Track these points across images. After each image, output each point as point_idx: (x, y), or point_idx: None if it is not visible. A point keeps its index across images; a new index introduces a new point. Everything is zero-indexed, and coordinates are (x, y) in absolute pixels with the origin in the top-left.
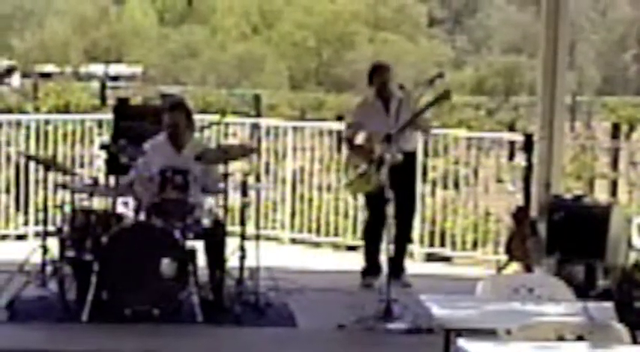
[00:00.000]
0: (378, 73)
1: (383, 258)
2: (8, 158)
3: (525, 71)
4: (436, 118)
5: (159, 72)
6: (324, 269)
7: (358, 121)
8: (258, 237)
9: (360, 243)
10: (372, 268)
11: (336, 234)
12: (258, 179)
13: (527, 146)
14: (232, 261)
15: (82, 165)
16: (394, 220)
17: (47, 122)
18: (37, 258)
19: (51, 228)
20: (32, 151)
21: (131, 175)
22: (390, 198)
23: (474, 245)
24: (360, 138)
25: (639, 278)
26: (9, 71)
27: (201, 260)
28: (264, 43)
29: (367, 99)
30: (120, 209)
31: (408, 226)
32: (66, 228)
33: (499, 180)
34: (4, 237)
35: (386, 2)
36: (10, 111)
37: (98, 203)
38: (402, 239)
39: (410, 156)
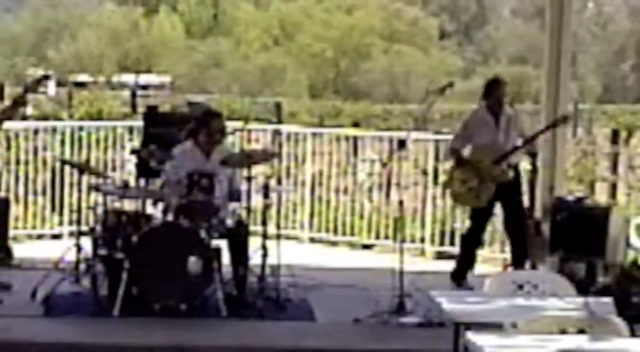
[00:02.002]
0: (497, 88)
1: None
2: (44, 162)
3: (531, 80)
4: (446, 125)
5: (186, 81)
6: (341, 267)
7: (468, 134)
8: (279, 237)
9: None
10: (463, 272)
11: (352, 234)
12: (279, 182)
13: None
14: (255, 258)
15: (113, 169)
16: (506, 233)
17: (81, 128)
18: (71, 256)
19: (84, 227)
20: (67, 156)
21: (162, 179)
22: (494, 214)
23: (482, 244)
24: (467, 151)
25: (637, 275)
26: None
27: (226, 258)
28: (285, 54)
29: (478, 112)
30: (149, 210)
31: (522, 238)
32: (98, 228)
33: None
34: (40, 237)
35: (400, 16)
36: (46, 118)
37: (129, 204)
38: (520, 252)
39: (515, 170)
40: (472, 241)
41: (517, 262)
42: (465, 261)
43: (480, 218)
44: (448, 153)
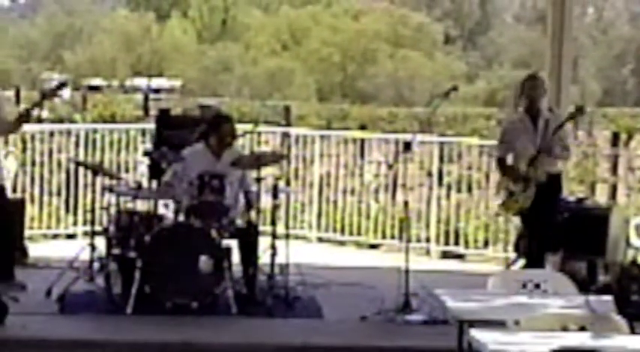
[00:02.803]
0: (531, 85)
1: None
2: (59, 164)
3: None
4: (450, 128)
5: (197, 85)
6: (348, 266)
7: (508, 139)
8: (287, 236)
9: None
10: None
11: (359, 234)
12: (288, 183)
13: None
14: (264, 257)
15: (126, 171)
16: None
17: (95, 131)
18: (85, 256)
19: (98, 227)
20: (81, 157)
21: (170, 173)
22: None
23: (485, 243)
24: (510, 159)
25: (636, 274)
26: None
27: (236, 257)
28: (294, 58)
29: (515, 116)
30: (161, 210)
31: (541, 247)
32: (112, 228)
33: None
34: (55, 236)
35: (405, 22)
36: (61, 120)
37: (141, 205)
38: (537, 254)
39: (555, 178)
40: (525, 245)
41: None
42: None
43: (527, 221)
44: (495, 164)
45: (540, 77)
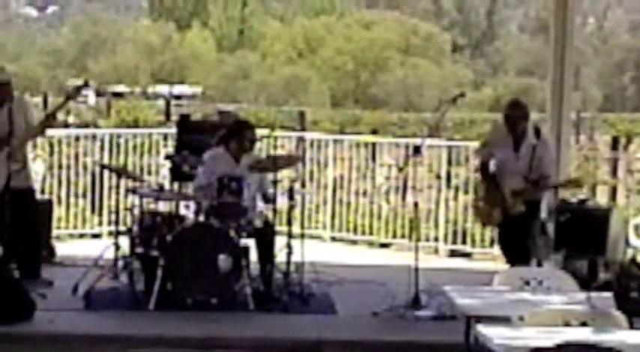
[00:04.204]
0: (510, 110)
1: None
2: (85, 167)
3: (536, 91)
4: (458, 132)
5: (216, 92)
6: (360, 264)
7: (491, 146)
8: (302, 236)
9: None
10: None
11: (370, 233)
12: (303, 185)
13: None
14: (280, 256)
15: (149, 173)
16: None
17: (119, 135)
18: (110, 254)
19: (122, 227)
20: (106, 161)
21: (194, 185)
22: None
23: (491, 243)
24: (492, 166)
25: (635, 272)
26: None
27: (253, 256)
28: (309, 66)
29: (501, 128)
30: (182, 211)
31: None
32: (135, 228)
33: None
34: (81, 236)
35: (415, 31)
36: (86, 125)
37: (163, 206)
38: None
39: (533, 205)
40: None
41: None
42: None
43: (501, 236)
44: (478, 168)
45: (521, 103)
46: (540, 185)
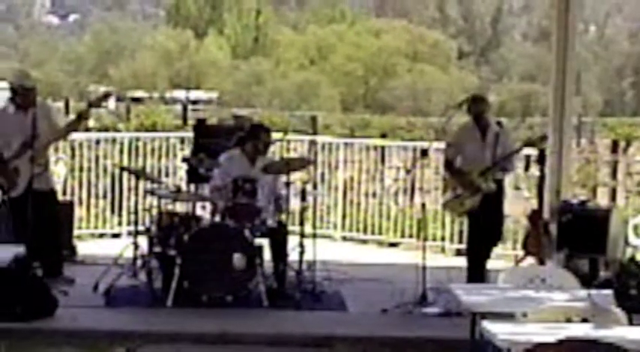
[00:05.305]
0: (475, 104)
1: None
2: (105, 169)
3: (539, 96)
4: None
5: (231, 97)
6: (370, 263)
7: (458, 143)
8: (314, 236)
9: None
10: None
11: (380, 233)
12: (314, 186)
13: (541, 159)
14: (293, 255)
15: (167, 175)
16: (473, 244)
17: (137, 139)
18: (129, 253)
19: (141, 227)
20: (125, 163)
21: (211, 185)
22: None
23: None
24: (458, 161)
25: (635, 270)
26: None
27: (267, 255)
28: (320, 72)
29: (467, 125)
30: (199, 212)
31: (489, 249)
32: (153, 228)
33: (517, 188)
34: (101, 236)
35: (423, 39)
36: (106, 129)
37: (180, 207)
38: (482, 259)
39: (498, 182)
40: (473, 252)
41: (472, 275)
42: (474, 275)
43: (472, 227)
44: (444, 165)
45: (482, 96)
46: (503, 160)
